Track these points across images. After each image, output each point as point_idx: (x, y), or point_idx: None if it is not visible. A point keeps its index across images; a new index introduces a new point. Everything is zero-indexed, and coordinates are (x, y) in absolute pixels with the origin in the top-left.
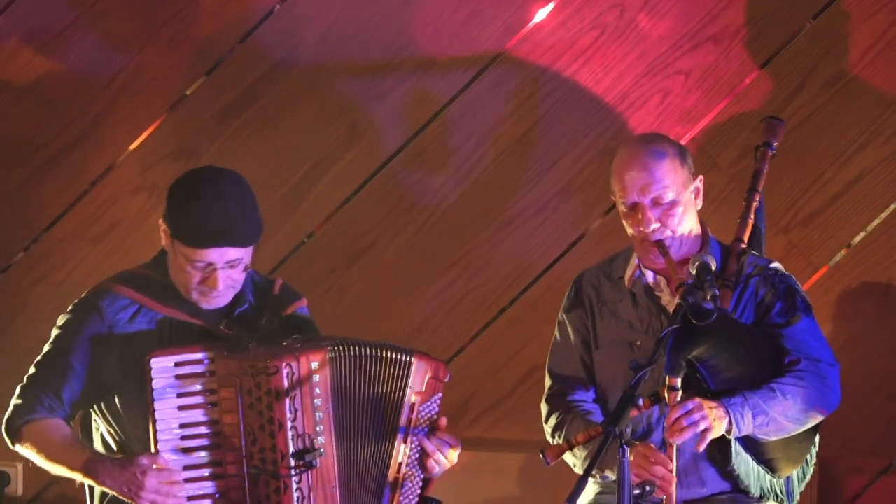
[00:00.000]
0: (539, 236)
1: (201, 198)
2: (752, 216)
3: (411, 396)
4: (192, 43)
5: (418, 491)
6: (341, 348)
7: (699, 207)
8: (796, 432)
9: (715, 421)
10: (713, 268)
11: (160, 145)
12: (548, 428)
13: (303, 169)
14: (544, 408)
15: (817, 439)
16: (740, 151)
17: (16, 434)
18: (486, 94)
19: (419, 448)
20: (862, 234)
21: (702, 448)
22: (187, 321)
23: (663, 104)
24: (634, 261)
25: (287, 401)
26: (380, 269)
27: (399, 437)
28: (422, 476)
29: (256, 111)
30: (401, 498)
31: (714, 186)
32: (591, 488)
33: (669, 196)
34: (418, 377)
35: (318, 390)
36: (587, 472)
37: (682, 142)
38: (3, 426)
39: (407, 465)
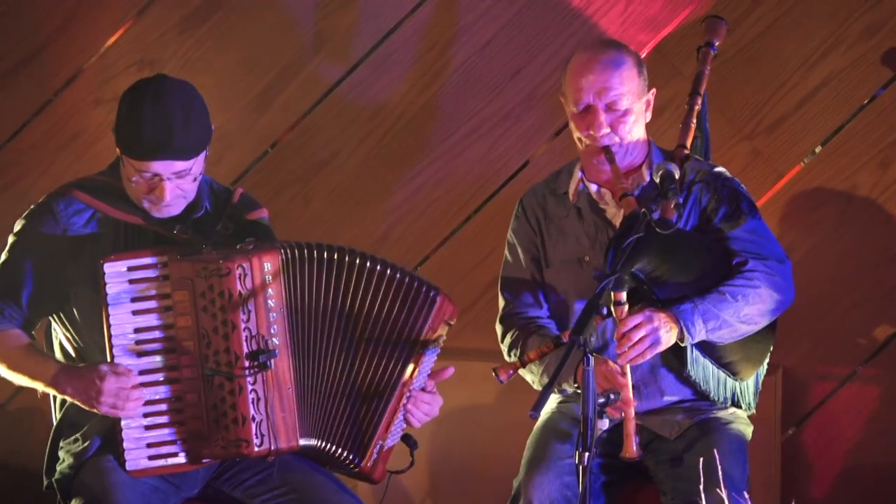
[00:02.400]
0: (503, 145)
1: (144, 109)
2: (694, 120)
3: (419, 329)
4: None
5: (403, 425)
6: (295, 250)
7: (648, 120)
8: (752, 333)
9: (664, 333)
10: (676, 176)
11: (122, 56)
12: (504, 347)
13: (267, 78)
14: (499, 328)
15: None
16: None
17: None
18: (451, 3)
19: (416, 384)
20: (826, 141)
21: (644, 359)
22: (142, 226)
23: (627, 11)
24: (578, 174)
25: (240, 302)
26: (344, 178)
27: (393, 361)
28: (404, 413)
29: (219, 19)
30: (383, 426)
31: (678, 94)
32: (553, 398)
33: (624, 103)
34: (430, 312)
35: (271, 291)
36: (552, 381)
37: (646, 50)
38: None
39: (399, 396)
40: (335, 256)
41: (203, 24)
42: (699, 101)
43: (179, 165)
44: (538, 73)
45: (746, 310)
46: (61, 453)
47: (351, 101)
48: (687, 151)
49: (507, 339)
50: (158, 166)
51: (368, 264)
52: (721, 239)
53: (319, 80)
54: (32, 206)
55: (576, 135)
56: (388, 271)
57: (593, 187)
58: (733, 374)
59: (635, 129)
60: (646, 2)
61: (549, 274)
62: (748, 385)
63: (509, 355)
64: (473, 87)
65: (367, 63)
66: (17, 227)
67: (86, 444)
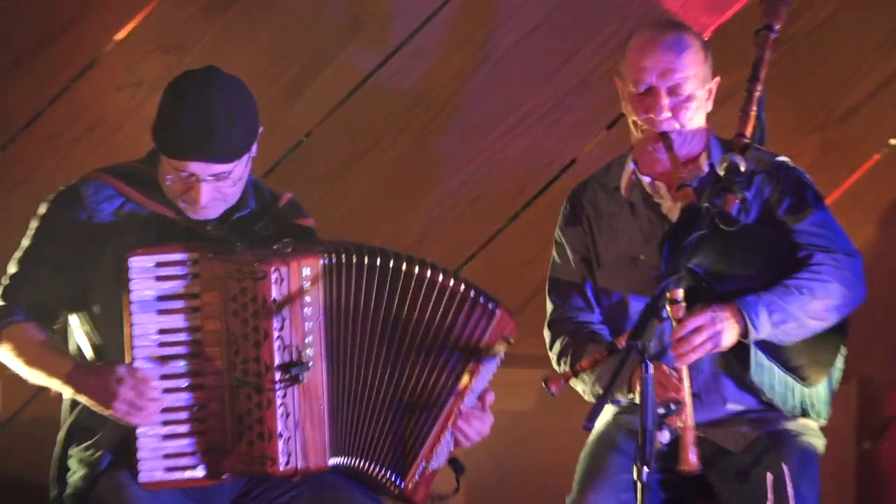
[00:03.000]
0: (555, 135)
1: (184, 103)
2: (755, 108)
3: (474, 344)
4: None
5: (451, 446)
6: (336, 255)
7: (709, 110)
8: (820, 330)
9: (726, 334)
10: (742, 168)
11: (145, 39)
12: (553, 354)
13: (299, 63)
14: (547, 334)
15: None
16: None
17: None
18: None
19: (468, 401)
20: None
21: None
22: (174, 220)
23: None
24: (630, 166)
25: (274, 308)
26: (382, 170)
27: (444, 377)
28: (453, 431)
29: (248, 2)
30: (428, 446)
31: (743, 81)
32: (608, 408)
33: (688, 88)
34: (489, 325)
35: (308, 299)
36: (608, 390)
37: (709, 32)
38: None
39: (449, 413)
40: (379, 262)
41: (230, 6)
42: (759, 88)
43: (218, 168)
44: (590, 59)
45: (814, 304)
46: (72, 462)
47: (389, 90)
48: (747, 141)
49: (557, 346)
50: (195, 167)
51: (417, 270)
52: (785, 232)
53: (355, 66)
54: (60, 188)
55: (632, 119)
56: (441, 279)
57: (647, 180)
58: (802, 378)
59: (696, 117)
60: None
61: (601, 274)
62: (818, 392)
63: (559, 363)
64: (521, 75)
65: (407, 49)
66: (42, 209)
67: (99, 453)
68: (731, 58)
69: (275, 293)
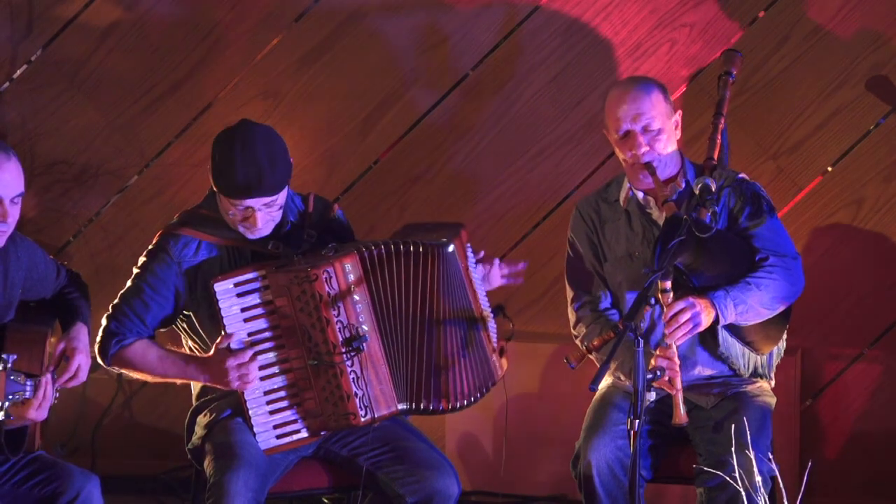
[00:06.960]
0: (567, 163)
1: (235, 155)
2: (720, 136)
3: (457, 280)
4: (277, 0)
5: (492, 363)
6: (368, 250)
7: (678, 137)
8: (770, 316)
9: (704, 316)
10: (713, 188)
11: (250, 86)
12: (575, 332)
13: (370, 106)
14: (572, 315)
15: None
16: (735, 91)
17: (107, 356)
18: (523, 43)
19: (464, 332)
20: (838, 160)
21: (688, 337)
22: (241, 247)
23: (671, 52)
24: (626, 184)
25: (329, 300)
26: (434, 190)
27: (442, 323)
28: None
29: (331, 58)
30: (452, 379)
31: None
32: (609, 374)
33: (657, 124)
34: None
35: (354, 287)
36: (607, 361)
37: (686, 83)
38: (97, 348)
39: (456, 348)
40: (393, 249)
41: (317, 60)
42: (722, 121)
43: (268, 199)
44: (597, 102)
45: (767, 298)
46: (197, 428)
47: (440, 126)
48: (714, 163)
49: (580, 330)
50: (251, 202)
51: (412, 249)
52: (746, 236)
53: (414, 107)
54: (150, 247)
55: (621, 157)
56: (413, 249)
57: (640, 195)
58: (755, 350)
59: (669, 145)
60: (687, 43)
61: (607, 267)
62: (765, 359)
63: (582, 344)
64: (542, 116)
65: (454, 94)
66: (140, 262)
67: (214, 414)
68: (705, 103)
69: (327, 289)
